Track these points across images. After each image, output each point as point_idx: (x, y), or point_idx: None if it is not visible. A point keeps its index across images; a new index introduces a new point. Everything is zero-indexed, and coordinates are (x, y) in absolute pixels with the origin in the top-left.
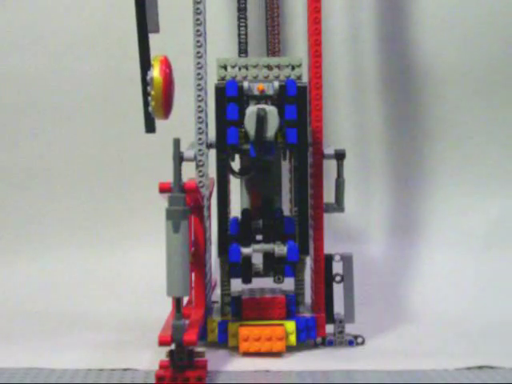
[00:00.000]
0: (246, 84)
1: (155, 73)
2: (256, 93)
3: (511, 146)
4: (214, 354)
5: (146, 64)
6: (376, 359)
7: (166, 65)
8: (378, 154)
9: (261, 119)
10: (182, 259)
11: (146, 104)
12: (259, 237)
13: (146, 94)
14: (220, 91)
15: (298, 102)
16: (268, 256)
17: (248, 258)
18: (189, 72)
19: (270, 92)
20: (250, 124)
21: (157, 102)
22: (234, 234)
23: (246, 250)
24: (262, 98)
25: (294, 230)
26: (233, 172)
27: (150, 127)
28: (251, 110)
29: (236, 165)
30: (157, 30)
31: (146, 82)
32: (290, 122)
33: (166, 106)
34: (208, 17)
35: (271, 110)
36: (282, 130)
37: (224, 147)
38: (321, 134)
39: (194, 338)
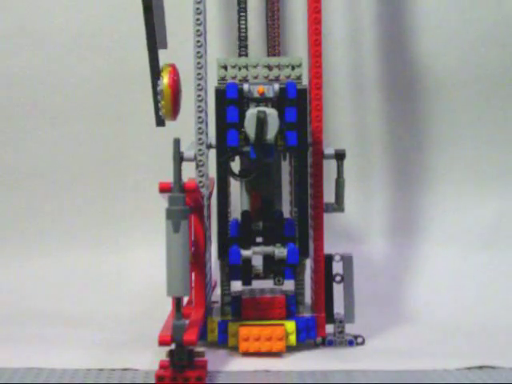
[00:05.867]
0: (246, 86)
1: (164, 83)
2: (256, 95)
3: (511, 146)
4: (214, 353)
5: (156, 75)
6: (376, 359)
7: (175, 73)
8: (378, 154)
9: (261, 121)
10: (182, 259)
11: (156, 106)
12: (259, 239)
13: (156, 97)
14: (220, 93)
15: (298, 105)
16: (268, 258)
17: (248, 261)
18: (189, 72)
19: (270, 94)
20: (250, 126)
21: (166, 110)
22: (234, 236)
23: (245, 253)
24: (262, 100)
25: (294, 232)
26: (233, 174)
27: (160, 122)
28: (251, 112)
29: (236, 166)
30: (165, 46)
31: (156, 90)
32: (290, 124)
33: (175, 111)
34: (208, 17)
35: (271, 113)
36: (282, 132)
37: (224, 149)
38: (321, 134)
39: (194, 338)
